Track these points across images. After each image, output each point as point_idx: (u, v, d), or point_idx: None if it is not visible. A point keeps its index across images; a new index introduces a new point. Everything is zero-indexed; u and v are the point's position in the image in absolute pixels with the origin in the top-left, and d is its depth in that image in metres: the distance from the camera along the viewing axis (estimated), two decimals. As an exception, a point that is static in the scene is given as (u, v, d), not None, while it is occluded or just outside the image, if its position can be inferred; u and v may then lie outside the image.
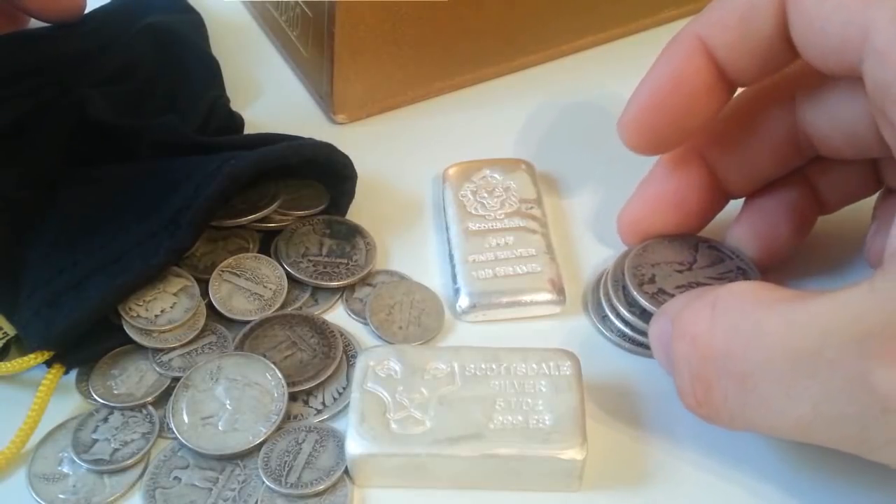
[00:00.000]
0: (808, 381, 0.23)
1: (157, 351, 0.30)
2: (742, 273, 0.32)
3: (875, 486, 0.28)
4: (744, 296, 0.25)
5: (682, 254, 0.32)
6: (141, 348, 0.30)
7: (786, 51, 0.28)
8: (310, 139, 0.34)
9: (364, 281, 0.33)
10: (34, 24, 0.40)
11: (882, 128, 0.26)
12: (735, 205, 0.33)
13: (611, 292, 0.32)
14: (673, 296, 0.30)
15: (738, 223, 0.33)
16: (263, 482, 0.27)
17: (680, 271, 0.32)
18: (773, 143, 0.31)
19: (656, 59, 0.30)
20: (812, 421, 0.23)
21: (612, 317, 0.31)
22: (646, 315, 0.30)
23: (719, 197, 0.33)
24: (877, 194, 0.32)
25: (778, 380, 0.24)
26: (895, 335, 0.22)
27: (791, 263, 0.33)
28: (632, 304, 0.31)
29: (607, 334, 0.32)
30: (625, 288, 0.31)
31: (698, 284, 0.31)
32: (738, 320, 0.25)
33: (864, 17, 0.24)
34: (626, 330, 0.31)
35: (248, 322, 0.31)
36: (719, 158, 0.32)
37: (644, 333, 0.30)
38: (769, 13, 0.27)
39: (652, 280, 0.31)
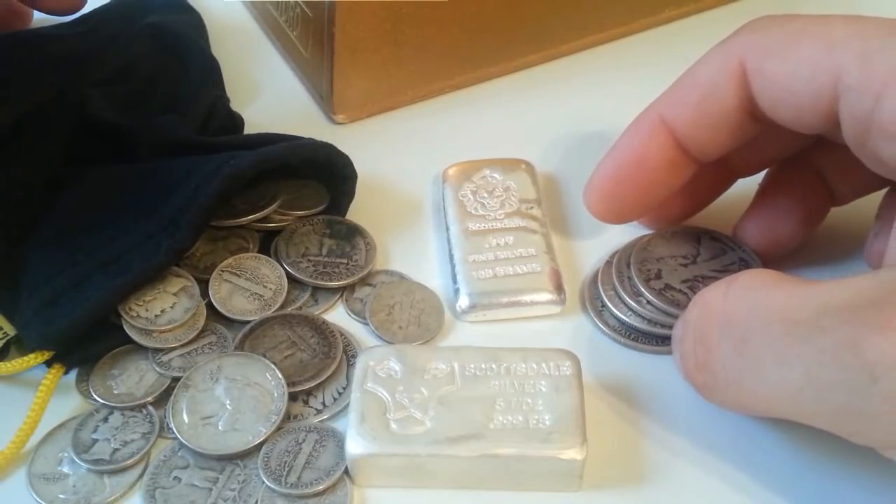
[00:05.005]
0: (801, 346, 0.24)
1: (157, 351, 0.30)
2: (745, 264, 0.32)
3: (875, 487, 0.28)
4: (757, 275, 0.26)
5: (686, 247, 0.33)
6: (141, 348, 0.30)
7: (747, 124, 0.29)
8: (310, 139, 0.34)
9: (364, 281, 0.33)
10: (35, 24, 0.40)
11: (867, 162, 0.27)
12: (740, 198, 0.34)
13: (616, 284, 0.32)
14: (679, 290, 0.31)
15: (749, 211, 0.33)
16: (263, 482, 0.27)
17: (685, 265, 0.32)
18: None
19: (621, 134, 0.31)
20: (803, 387, 0.24)
21: (612, 308, 0.32)
22: (651, 306, 0.31)
23: (726, 175, 0.33)
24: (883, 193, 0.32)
25: (773, 344, 0.24)
26: (887, 303, 0.22)
27: (795, 258, 0.33)
28: (638, 295, 0.31)
29: (604, 328, 0.32)
30: (630, 280, 0.32)
31: (703, 278, 0.32)
32: (746, 292, 0.26)
33: (831, 63, 0.26)
34: (628, 320, 0.31)
35: (248, 322, 0.31)
36: None
37: (650, 323, 0.31)
38: (729, 89, 0.28)
39: (658, 275, 0.32)
